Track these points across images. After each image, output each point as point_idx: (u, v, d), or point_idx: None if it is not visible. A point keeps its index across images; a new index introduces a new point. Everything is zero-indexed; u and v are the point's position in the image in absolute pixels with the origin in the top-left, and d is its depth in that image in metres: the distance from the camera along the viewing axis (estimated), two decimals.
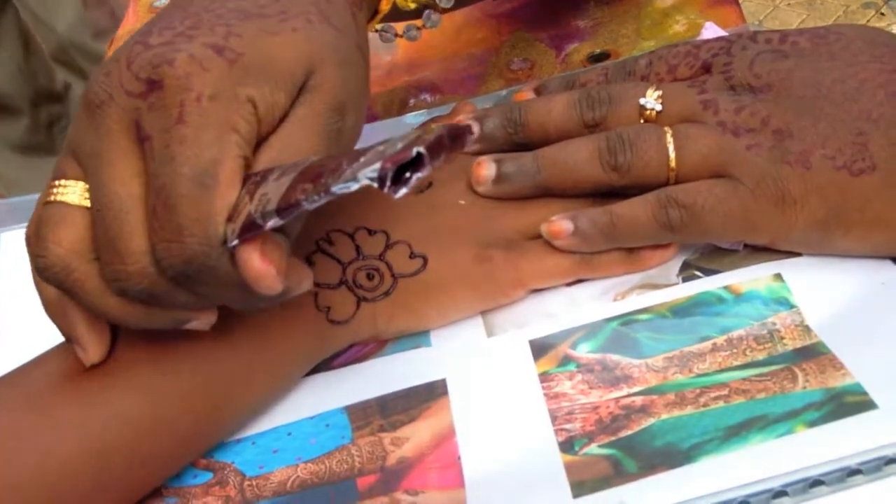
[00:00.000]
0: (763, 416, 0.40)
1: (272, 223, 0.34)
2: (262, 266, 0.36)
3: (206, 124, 0.37)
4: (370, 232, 0.48)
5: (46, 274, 0.39)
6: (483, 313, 0.50)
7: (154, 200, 0.36)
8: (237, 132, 0.37)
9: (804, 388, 0.41)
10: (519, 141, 0.51)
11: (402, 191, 0.31)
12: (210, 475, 0.44)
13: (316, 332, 0.47)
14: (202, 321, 0.40)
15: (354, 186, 0.31)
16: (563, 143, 0.49)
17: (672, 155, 0.47)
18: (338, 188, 0.31)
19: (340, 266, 0.47)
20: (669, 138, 0.47)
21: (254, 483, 0.44)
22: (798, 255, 0.47)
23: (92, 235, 0.39)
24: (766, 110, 0.46)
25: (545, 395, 0.44)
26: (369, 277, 0.47)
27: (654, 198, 0.47)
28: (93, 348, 0.42)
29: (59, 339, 0.44)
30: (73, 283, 0.39)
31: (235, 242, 0.36)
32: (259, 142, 0.39)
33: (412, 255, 0.48)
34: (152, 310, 0.39)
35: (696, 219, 0.46)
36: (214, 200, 0.36)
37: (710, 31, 0.60)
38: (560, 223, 0.48)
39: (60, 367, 0.42)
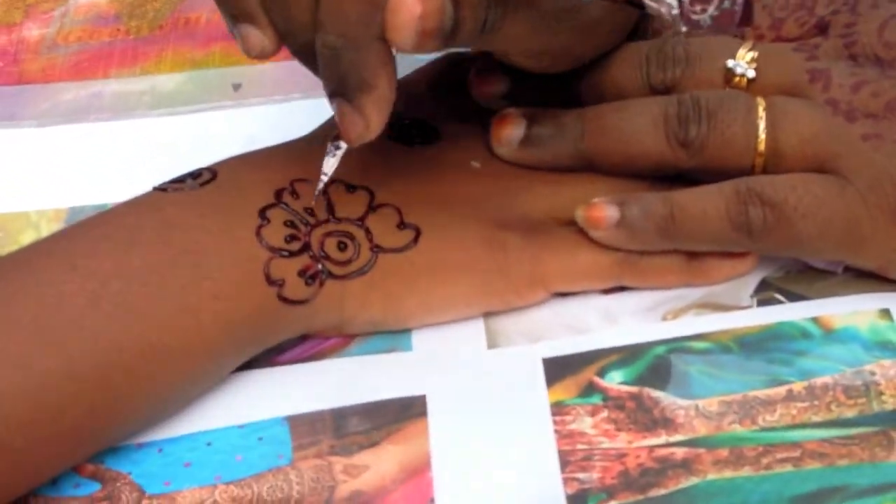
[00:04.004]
0: (843, 488, 0.38)
1: None
2: None
3: None
4: (349, 187, 0.44)
5: None
6: (485, 316, 0.45)
7: None
8: None
9: None
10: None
11: None
12: (97, 486, 0.40)
13: (260, 311, 0.42)
14: (260, 34, 0.39)
15: None
16: (620, 104, 0.45)
17: (762, 135, 0.43)
18: None
19: (305, 227, 0.43)
20: (761, 112, 0.43)
21: (154, 502, 0.40)
22: None
23: None
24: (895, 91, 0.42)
25: (556, 431, 0.41)
26: (341, 247, 0.43)
27: (732, 189, 0.43)
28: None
29: None
30: None
31: None
32: None
33: (401, 225, 0.44)
34: None
35: (784, 223, 0.42)
36: None
37: None
38: (603, 208, 0.44)
39: None
